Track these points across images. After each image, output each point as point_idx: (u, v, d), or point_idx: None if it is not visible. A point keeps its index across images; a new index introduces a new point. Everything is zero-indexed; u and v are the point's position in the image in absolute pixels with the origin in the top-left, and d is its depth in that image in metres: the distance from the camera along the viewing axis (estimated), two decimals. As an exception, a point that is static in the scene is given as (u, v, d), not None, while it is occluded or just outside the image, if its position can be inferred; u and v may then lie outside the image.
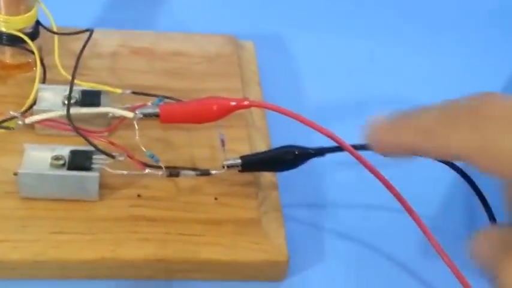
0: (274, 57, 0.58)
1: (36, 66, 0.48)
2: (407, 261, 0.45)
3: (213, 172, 0.43)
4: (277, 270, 0.43)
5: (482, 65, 0.60)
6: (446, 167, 0.46)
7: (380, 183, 0.42)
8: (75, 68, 0.46)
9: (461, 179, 0.47)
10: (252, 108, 0.49)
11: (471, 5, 0.66)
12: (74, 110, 0.44)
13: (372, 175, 0.42)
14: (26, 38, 0.48)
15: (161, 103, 0.45)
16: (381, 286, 0.44)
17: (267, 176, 0.46)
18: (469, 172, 0.46)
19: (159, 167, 0.43)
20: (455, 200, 0.49)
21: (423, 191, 0.48)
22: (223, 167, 0.43)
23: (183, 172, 0.43)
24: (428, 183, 0.50)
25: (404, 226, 0.43)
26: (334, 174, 0.49)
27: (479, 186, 0.46)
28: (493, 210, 0.46)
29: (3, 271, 0.41)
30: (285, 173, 0.45)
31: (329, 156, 0.45)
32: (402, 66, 0.59)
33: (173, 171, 0.43)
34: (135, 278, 0.42)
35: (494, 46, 0.63)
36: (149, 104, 0.45)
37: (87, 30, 0.50)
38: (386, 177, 0.42)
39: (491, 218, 0.46)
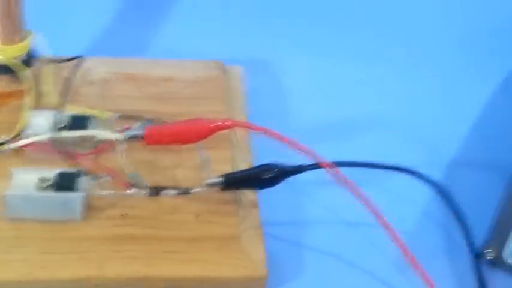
0: (263, 81, 0.59)
1: (29, 93, 0.49)
2: (385, 276, 0.45)
3: (193, 191, 0.45)
4: (257, 286, 0.43)
5: (470, 87, 0.61)
6: (424, 184, 0.47)
7: (358, 200, 0.43)
8: (65, 93, 0.48)
9: (438, 196, 0.48)
10: (237, 130, 0.51)
11: (457, 29, 0.67)
12: (60, 134, 0.45)
13: (350, 192, 0.43)
14: (19, 66, 0.49)
15: (146, 125, 0.46)
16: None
17: (247, 194, 0.47)
18: (446, 189, 0.47)
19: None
20: (432, 217, 0.50)
21: (401, 207, 0.49)
22: (204, 185, 0.44)
23: (163, 192, 0.45)
24: (406, 200, 0.50)
25: (382, 242, 0.44)
26: (313, 192, 0.50)
27: (456, 203, 0.47)
28: (469, 226, 0.47)
29: (-9, 290, 0.42)
30: (266, 191, 0.46)
31: (309, 174, 0.46)
32: (389, 88, 0.60)
33: (153, 190, 0.44)
34: (121, 296, 0.43)
35: (481, 67, 0.63)
36: (134, 126, 0.47)
37: (77, 57, 0.51)
38: (364, 194, 0.43)
39: (467, 234, 0.46)
